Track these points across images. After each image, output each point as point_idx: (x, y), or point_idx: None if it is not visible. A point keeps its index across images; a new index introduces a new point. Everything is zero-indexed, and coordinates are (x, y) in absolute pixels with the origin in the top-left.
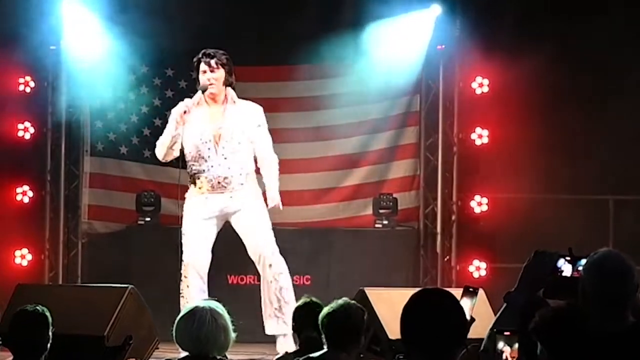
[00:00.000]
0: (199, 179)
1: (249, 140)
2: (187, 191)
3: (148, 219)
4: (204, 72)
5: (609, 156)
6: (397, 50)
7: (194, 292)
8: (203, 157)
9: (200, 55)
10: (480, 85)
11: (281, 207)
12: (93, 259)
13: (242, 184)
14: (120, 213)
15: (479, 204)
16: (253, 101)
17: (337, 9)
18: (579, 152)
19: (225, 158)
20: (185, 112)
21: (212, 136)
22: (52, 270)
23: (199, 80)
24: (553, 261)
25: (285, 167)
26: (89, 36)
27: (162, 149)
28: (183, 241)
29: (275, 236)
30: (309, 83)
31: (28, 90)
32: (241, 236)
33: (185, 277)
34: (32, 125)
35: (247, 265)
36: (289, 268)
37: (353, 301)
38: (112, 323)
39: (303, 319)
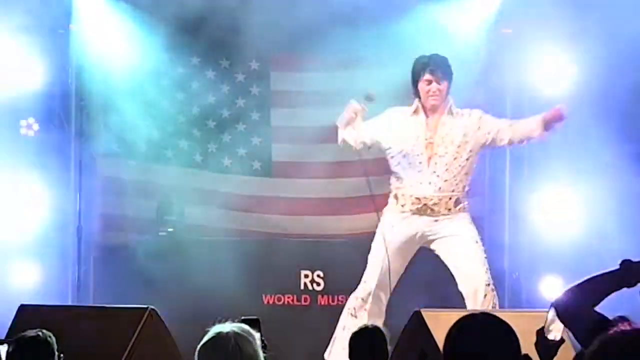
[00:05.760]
0: (402, 195)
1: (466, 157)
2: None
3: (170, 229)
4: (429, 82)
5: None
6: (455, 35)
7: (371, 319)
8: (411, 172)
9: (425, 61)
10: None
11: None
12: (107, 275)
13: (450, 210)
14: (138, 223)
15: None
16: (288, 92)
17: None
18: None
19: (438, 176)
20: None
21: (423, 149)
22: (59, 288)
23: (415, 86)
24: None
25: (329, 171)
26: (103, 18)
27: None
28: (370, 259)
29: (319, 248)
30: (353, 73)
31: (32, 80)
32: (446, 261)
33: (361, 299)
34: (36, 122)
35: (284, 285)
36: (333, 286)
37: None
38: (130, 350)
39: (360, 346)
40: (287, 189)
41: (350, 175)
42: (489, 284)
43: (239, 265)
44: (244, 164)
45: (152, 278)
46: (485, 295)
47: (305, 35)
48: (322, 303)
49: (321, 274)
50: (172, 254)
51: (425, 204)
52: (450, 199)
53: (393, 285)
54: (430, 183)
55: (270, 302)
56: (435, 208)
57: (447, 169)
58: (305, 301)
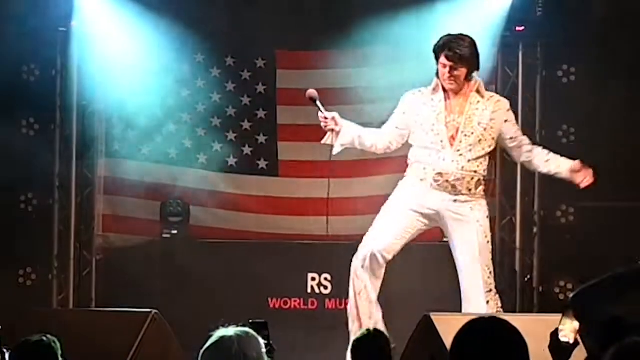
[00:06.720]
0: (424, 169)
1: (489, 144)
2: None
3: (175, 231)
4: (444, 66)
5: None
6: (467, 32)
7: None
8: (435, 149)
9: (441, 44)
10: (567, 74)
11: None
12: (109, 278)
13: (470, 190)
14: (141, 224)
15: (565, 215)
16: (294, 90)
17: None
18: None
19: (461, 155)
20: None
21: (444, 127)
22: (61, 292)
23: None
24: None
25: (339, 170)
26: (105, 15)
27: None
28: (373, 225)
29: (327, 250)
30: (363, 71)
31: (32, 79)
32: (453, 250)
33: (354, 272)
34: (37, 122)
35: (290, 288)
36: (341, 289)
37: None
38: (133, 355)
39: (363, 353)
40: (293, 188)
41: (357, 174)
42: (490, 290)
43: (244, 267)
44: (250, 163)
45: (156, 281)
46: (488, 302)
47: (312, 32)
48: (330, 307)
49: (329, 277)
50: (176, 257)
51: (447, 180)
52: (472, 178)
53: (392, 251)
54: (453, 161)
55: (277, 305)
56: (457, 185)
57: (470, 150)
58: (312, 305)
